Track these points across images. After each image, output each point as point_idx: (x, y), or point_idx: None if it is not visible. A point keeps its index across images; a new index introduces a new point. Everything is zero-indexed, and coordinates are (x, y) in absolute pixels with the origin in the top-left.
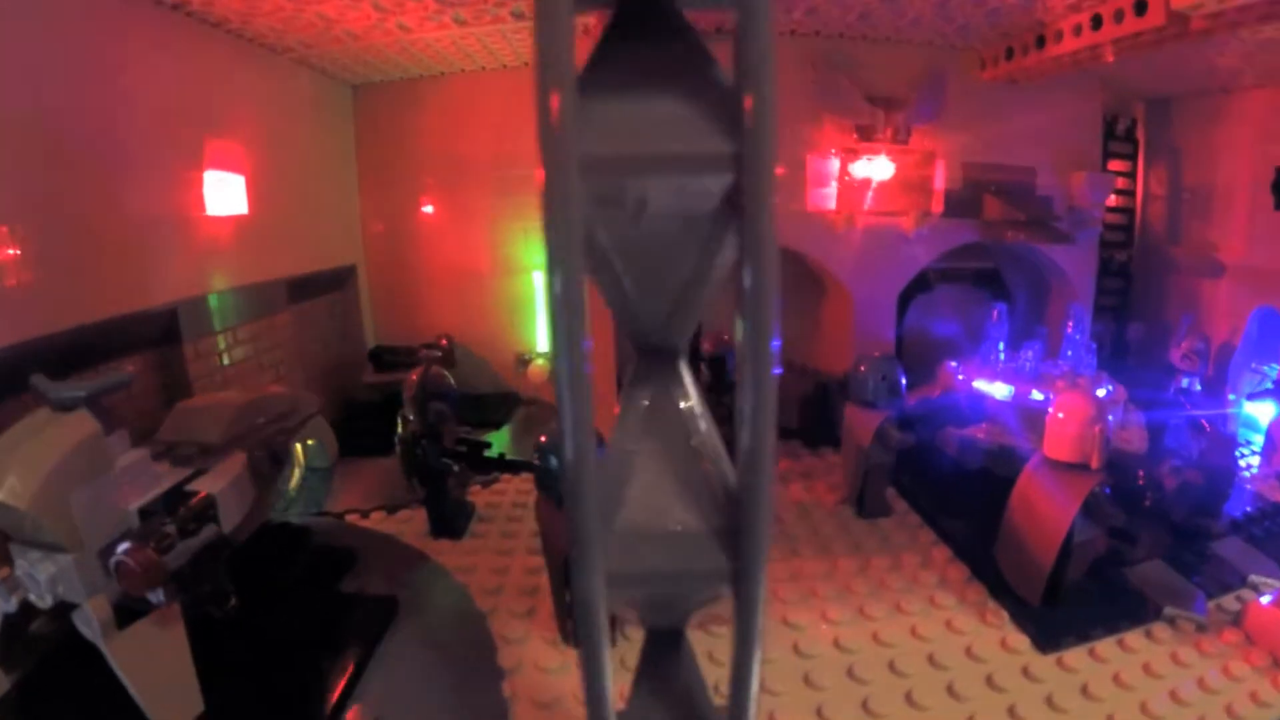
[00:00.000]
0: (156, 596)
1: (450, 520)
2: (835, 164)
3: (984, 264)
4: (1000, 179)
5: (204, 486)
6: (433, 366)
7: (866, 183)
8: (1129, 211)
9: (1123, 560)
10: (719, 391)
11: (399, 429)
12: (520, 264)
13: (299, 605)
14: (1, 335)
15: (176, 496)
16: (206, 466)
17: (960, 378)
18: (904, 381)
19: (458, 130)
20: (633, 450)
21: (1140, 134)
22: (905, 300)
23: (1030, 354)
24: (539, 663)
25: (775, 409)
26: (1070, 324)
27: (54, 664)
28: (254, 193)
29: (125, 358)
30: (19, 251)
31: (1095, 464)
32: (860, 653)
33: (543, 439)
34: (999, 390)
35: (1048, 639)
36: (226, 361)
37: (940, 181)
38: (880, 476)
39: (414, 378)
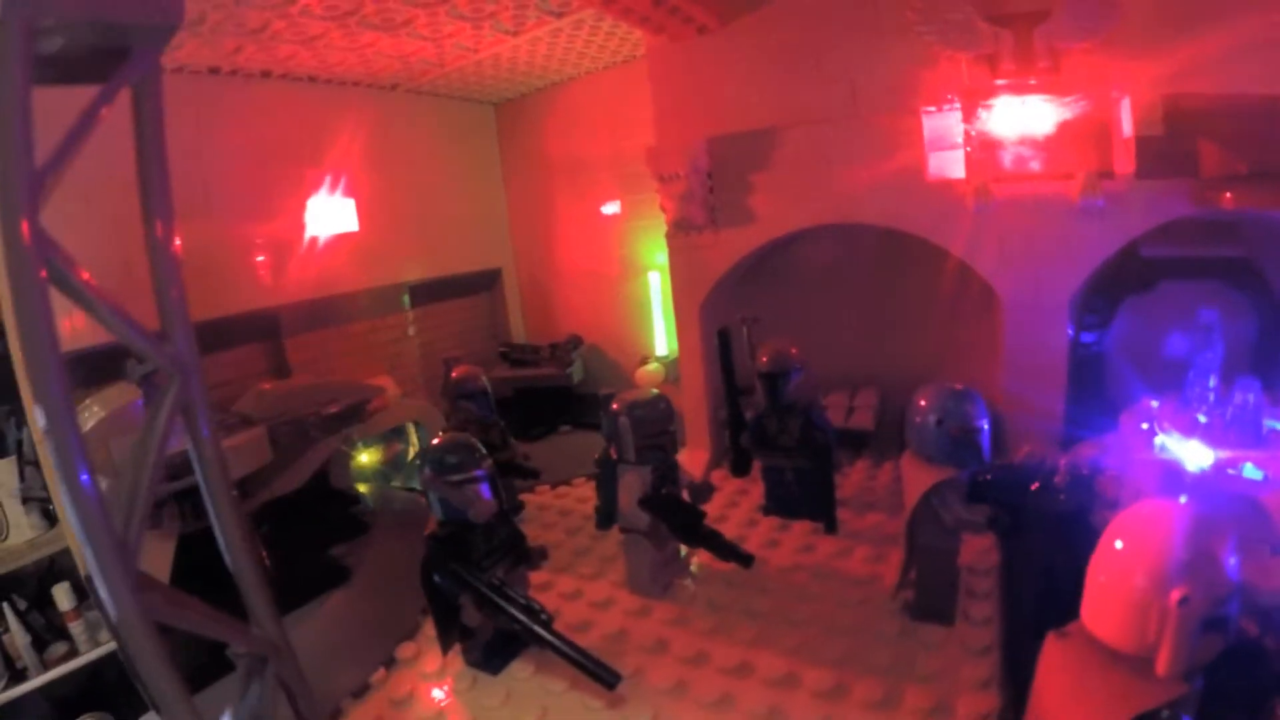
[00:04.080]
0: (158, 519)
1: None
2: (958, 115)
3: (1234, 251)
4: (1225, 115)
5: None
6: (459, 366)
7: (1001, 136)
8: None
9: None
10: (778, 416)
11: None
12: (643, 264)
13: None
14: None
15: None
16: (232, 434)
17: (1144, 427)
18: (983, 427)
19: (580, 134)
20: None
21: None
22: (1113, 303)
23: (1250, 398)
24: (421, 666)
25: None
26: None
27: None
28: (383, 211)
29: (244, 345)
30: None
31: (1164, 668)
32: None
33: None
34: (1192, 455)
35: None
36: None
37: (1127, 125)
38: (936, 565)
39: (452, 376)
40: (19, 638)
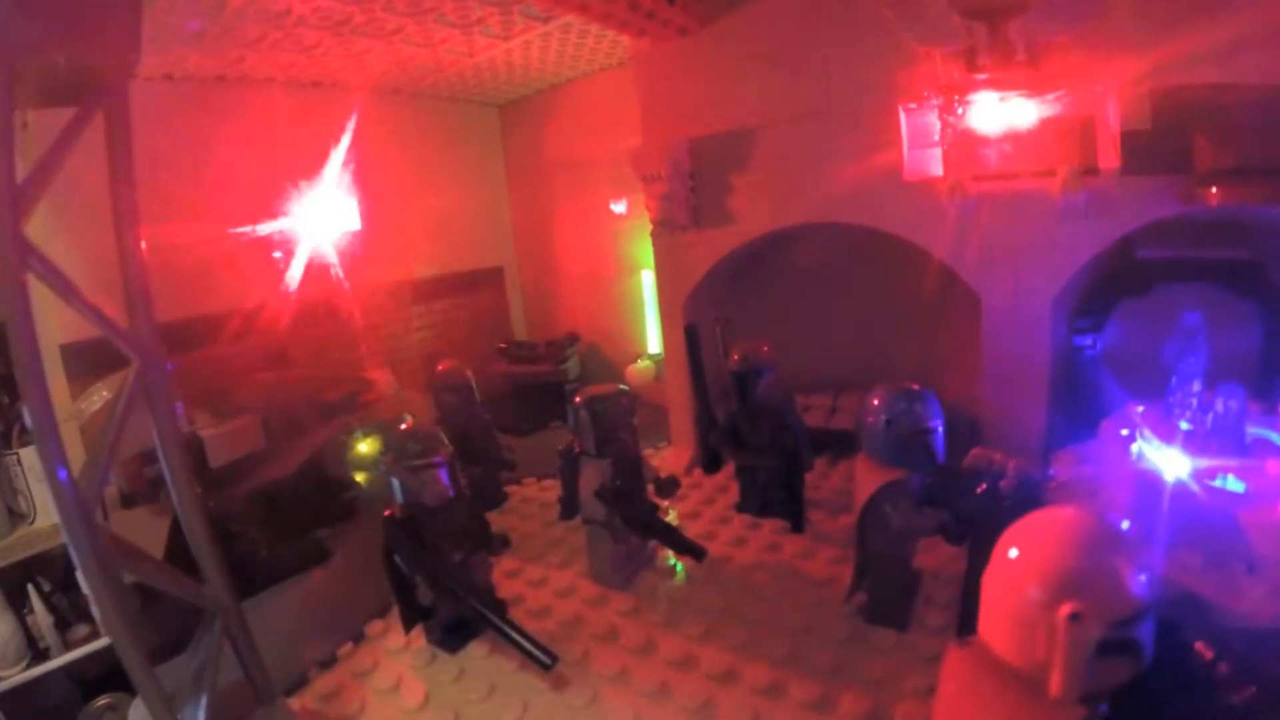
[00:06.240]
0: (156, 496)
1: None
2: (936, 113)
3: (1239, 253)
4: (1216, 108)
5: (205, 433)
6: (443, 361)
7: (980, 132)
8: None
9: None
10: (749, 416)
11: None
12: (638, 263)
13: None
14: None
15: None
16: (226, 420)
17: (1124, 434)
18: (936, 428)
19: (578, 135)
20: None
21: None
22: (1108, 306)
23: (1233, 404)
24: (387, 643)
25: None
26: None
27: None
28: (388, 210)
29: (247, 339)
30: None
31: (1055, 690)
32: None
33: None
34: (1170, 463)
35: None
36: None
37: (1114, 120)
38: (887, 569)
39: (436, 370)
40: (43, 618)
